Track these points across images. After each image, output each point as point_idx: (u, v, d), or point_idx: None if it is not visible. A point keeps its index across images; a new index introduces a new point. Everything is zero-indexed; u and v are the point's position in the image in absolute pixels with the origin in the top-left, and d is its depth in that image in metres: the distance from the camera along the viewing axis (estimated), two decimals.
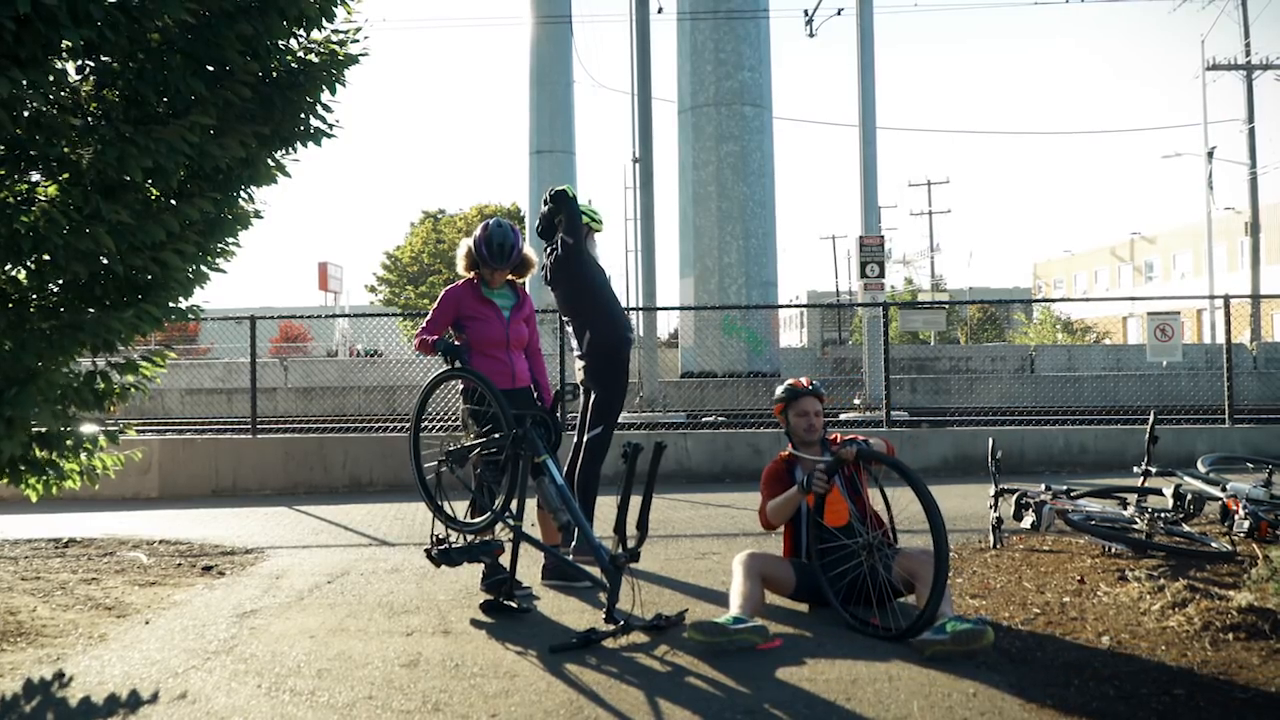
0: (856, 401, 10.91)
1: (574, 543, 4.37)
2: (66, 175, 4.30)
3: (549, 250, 5.36)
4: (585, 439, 5.27)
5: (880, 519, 4.22)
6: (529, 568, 4.98)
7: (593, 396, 5.27)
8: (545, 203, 5.39)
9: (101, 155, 4.05)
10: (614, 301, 5.40)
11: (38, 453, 4.74)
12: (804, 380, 4.56)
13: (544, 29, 29.56)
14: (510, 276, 4.79)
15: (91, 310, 4.57)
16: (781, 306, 12.86)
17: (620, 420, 10.21)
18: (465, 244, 4.74)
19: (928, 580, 3.71)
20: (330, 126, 5.04)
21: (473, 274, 4.75)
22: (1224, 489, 5.39)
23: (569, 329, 5.44)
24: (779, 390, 4.51)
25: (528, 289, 5.03)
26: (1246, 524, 5.01)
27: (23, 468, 4.73)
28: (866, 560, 3.98)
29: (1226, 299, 9.84)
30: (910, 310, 11.50)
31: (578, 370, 5.38)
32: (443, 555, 4.33)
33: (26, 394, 4.17)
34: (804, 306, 12.88)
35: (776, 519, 4.26)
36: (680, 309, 13.16)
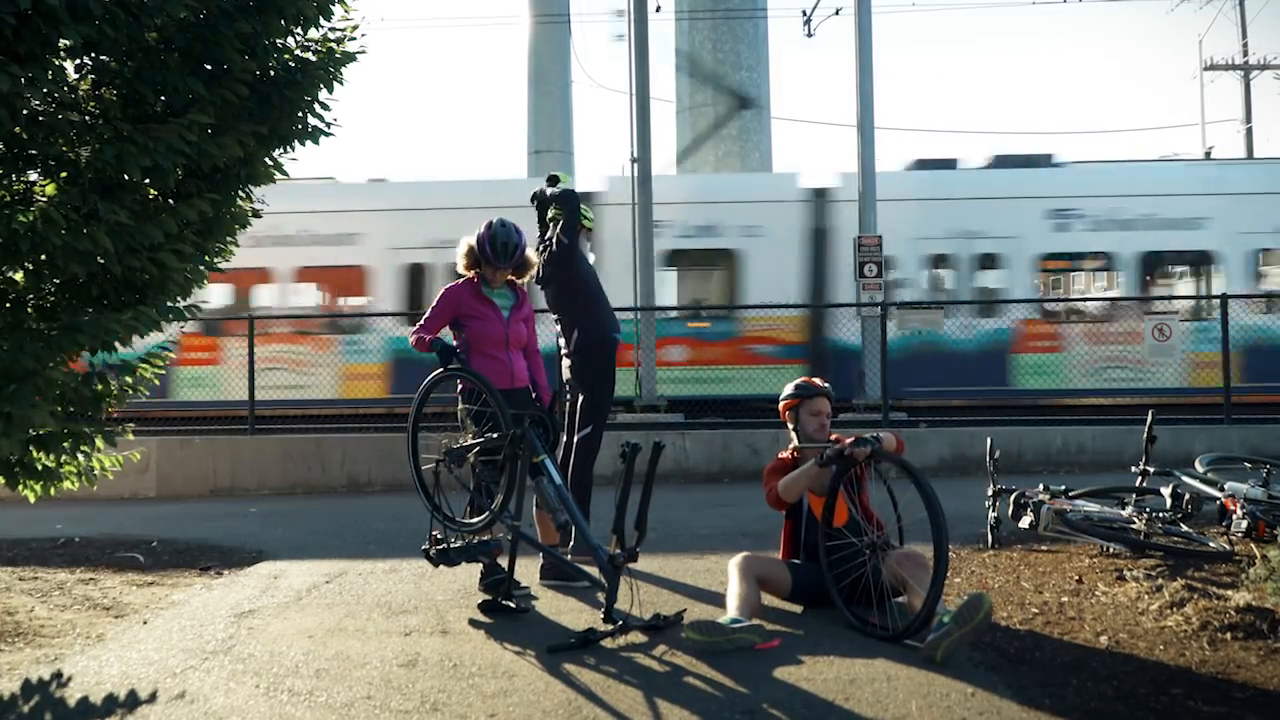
0: (855, 401, 10.92)
1: (572, 542, 4.37)
2: (65, 174, 4.29)
3: (541, 247, 5.37)
4: (575, 439, 5.27)
5: (878, 518, 4.21)
6: (527, 567, 4.97)
7: (580, 397, 5.27)
8: (547, 195, 5.42)
9: (100, 154, 4.05)
10: (604, 300, 5.44)
11: (35, 454, 4.73)
12: (816, 379, 4.51)
13: (542, 29, 29.53)
14: (510, 276, 4.78)
15: (89, 311, 4.56)
16: (779, 306, 12.83)
17: (618, 420, 10.24)
18: (466, 242, 4.73)
19: (916, 582, 3.71)
20: (328, 125, 5.04)
21: (472, 273, 4.73)
22: (1222, 489, 5.39)
23: (557, 327, 5.44)
24: (789, 388, 4.45)
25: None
26: (1244, 524, 5.00)
27: (19, 470, 4.72)
28: (870, 560, 3.96)
29: (1224, 298, 9.84)
30: (908, 310, 11.47)
31: (564, 369, 5.39)
32: (441, 555, 4.33)
33: (24, 393, 4.16)
34: (801, 307, 12.87)
35: (790, 494, 4.19)
36: (678, 309, 13.13)
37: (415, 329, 4.55)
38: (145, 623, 4.33)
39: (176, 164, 4.22)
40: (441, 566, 4.46)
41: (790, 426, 4.43)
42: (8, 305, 4.52)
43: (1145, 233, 13.18)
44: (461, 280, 4.74)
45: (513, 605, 4.31)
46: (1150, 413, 5.59)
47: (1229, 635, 3.63)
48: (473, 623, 4.19)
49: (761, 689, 3.26)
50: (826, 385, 4.45)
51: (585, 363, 5.27)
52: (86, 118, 4.32)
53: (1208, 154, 19.26)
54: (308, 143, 5.00)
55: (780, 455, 4.42)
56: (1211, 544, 4.94)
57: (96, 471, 5.06)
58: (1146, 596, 4.17)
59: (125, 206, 4.22)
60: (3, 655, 3.87)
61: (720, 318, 13.24)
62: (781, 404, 4.46)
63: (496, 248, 4.59)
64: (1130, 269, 13.32)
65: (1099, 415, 11.31)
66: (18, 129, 3.99)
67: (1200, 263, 13.65)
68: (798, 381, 4.49)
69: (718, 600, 4.33)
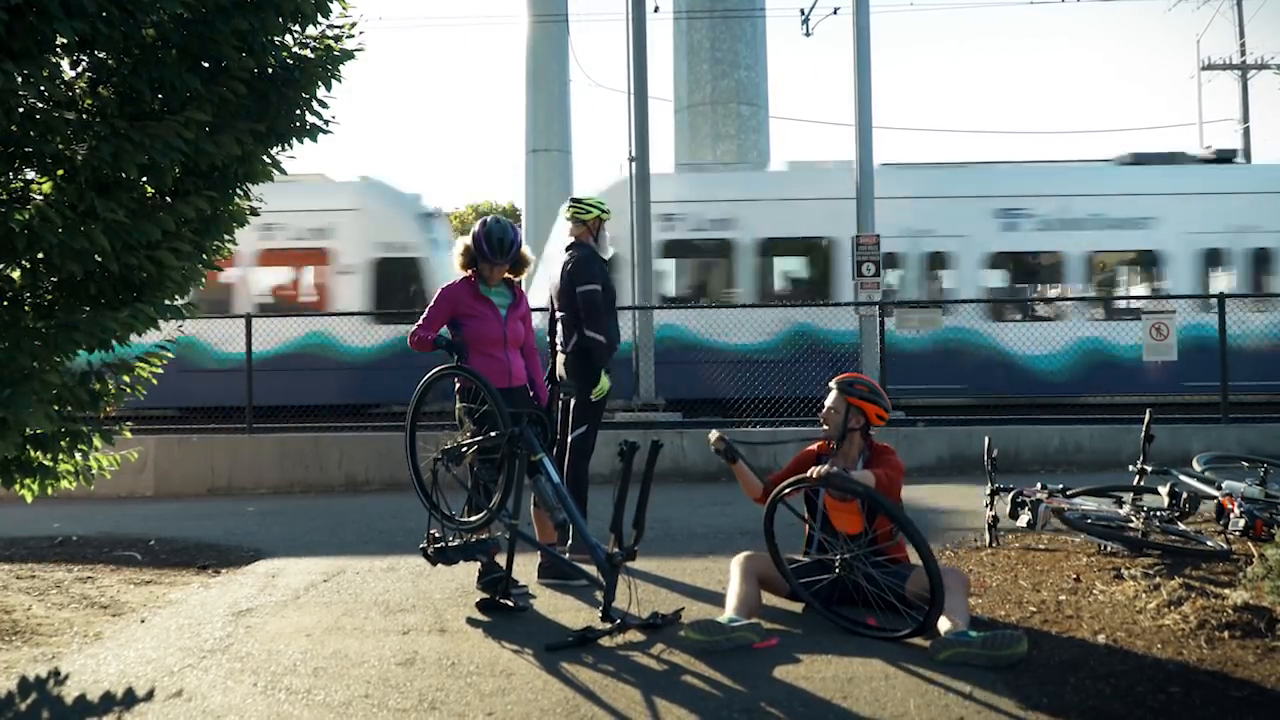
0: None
1: (571, 541, 4.37)
2: (61, 172, 4.28)
3: (566, 250, 5.41)
4: (570, 439, 5.28)
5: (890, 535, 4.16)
6: (525, 566, 4.96)
7: (574, 396, 5.27)
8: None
9: (96, 151, 4.03)
10: (613, 310, 5.48)
11: (32, 454, 4.72)
12: (846, 374, 4.35)
13: (540, 28, 29.56)
14: (508, 274, 4.78)
15: (87, 309, 4.55)
16: (776, 306, 12.84)
17: (616, 419, 10.23)
18: (462, 241, 4.72)
19: (949, 591, 3.70)
20: (326, 123, 5.03)
21: (470, 272, 4.73)
22: (1219, 488, 5.40)
23: (559, 325, 5.43)
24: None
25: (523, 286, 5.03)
26: (1241, 522, 5.01)
27: (15, 469, 4.70)
28: (846, 575, 3.95)
29: (1221, 298, 9.85)
30: (906, 309, 11.47)
31: (558, 365, 5.38)
32: (439, 554, 4.33)
33: (21, 395, 4.15)
34: (798, 306, 12.87)
35: (745, 489, 4.36)
36: (676, 308, 13.13)
37: (414, 328, 4.54)
38: (143, 621, 4.32)
39: (174, 161, 4.21)
40: (439, 565, 4.45)
41: None
42: (5, 304, 4.51)
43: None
44: (459, 279, 4.73)
45: (511, 604, 4.31)
46: (1148, 412, 5.59)
47: (1226, 634, 3.63)
48: (470, 621, 4.18)
49: (760, 688, 3.26)
50: (849, 384, 4.26)
51: (576, 363, 5.28)
52: (83, 115, 4.31)
53: None
54: (305, 140, 4.99)
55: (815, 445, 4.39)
56: (1209, 543, 4.94)
57: (94, 471, 5.05)
58: (1144, 595, 4.17)
59: (122, 205, 4.21)
60: (0, 654, 3.86)
61: None
62: None
63: (493, 244, 4.59)
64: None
65: (1095, 415, 11.32)
66: (14, 127, 3.98)
67: None
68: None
69: (716, 599, 4.33)
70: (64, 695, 3.37)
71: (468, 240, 4.70)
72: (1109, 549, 5.05)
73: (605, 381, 5.29)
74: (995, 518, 5.50)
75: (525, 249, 4.79)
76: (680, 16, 22.63)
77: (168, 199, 4.66)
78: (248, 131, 4.58)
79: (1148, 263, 14.00)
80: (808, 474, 3.95)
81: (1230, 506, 5.17)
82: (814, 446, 4.36)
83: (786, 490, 4.01)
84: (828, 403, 4.27)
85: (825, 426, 4.28)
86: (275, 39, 4.71)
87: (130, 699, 3.31)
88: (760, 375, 10.70)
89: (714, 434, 4.29)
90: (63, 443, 4.76)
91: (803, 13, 17.64)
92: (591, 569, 4.19)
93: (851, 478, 3.89)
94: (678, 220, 13.49)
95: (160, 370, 5.20)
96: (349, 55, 4.97)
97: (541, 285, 9.36)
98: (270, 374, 10.90)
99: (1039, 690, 3.16)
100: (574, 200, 5.55)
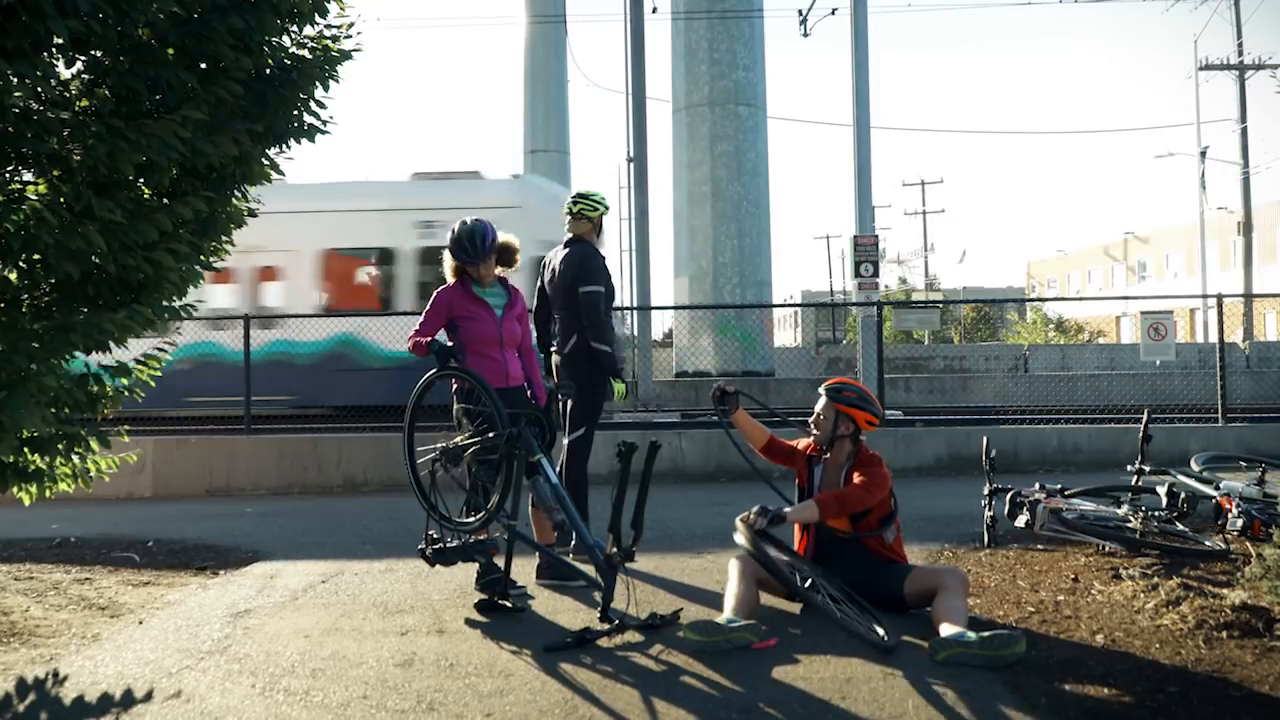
0: None
1: (573, 542, 4.37)
2: (57, 172, 4.27)
3: (567, 246, 5.39)
4: (567, 441, 5.27)
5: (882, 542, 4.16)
6: (523, 567, 4.96)
7: (573, 398, 5.27)
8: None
9: (92, 151, 4.02)
10: (609, 311, 5.47)
11: (29, 456, 4.71)
12: (835, 380, 4.40)
13: (538, 29, 29.54)
14: (499, 271, 4.77)
15: (84, 311, 4.54)
16: (776, 306, 12.89)
17: (615, 419, 10.24)
18: (446, 254, 4.73)
19: (948, 591, 3.72)
20: (324, 123, 5.02)
21: (462, 276, 4.72)
22: (1217, 487, 5.41)
23: (555, 324, 5.41)
24: None
25: (523, 284, 5.01)
26: (1240, 522, 5.02)
27: (12, 475, 4.69)
28: (818, 589, 3.94)
29: (1220, 298, 9.87)
30: (904, 310, 11.50)
31: (554, 367, 5.37)
32: (437, 555, 4.33)
33: (18, 397, 4.14)
34: (798, 306, 12.89)
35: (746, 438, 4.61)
36: (675, 308, 13.15)
37: (412, 334, 4.53)
38: (141, 623, 4.32)
39: (171, 161, 4.20)
40: (438, 566, 4.45)
41: None
42: (2, 305, 4.50)
43: None
44: (453, 283, 4.72)
45: (509, 605, 4.31)
46: (1146, 411, 5.60)
47: (1225, 633, 3.63)
48: (469, 622, 4.18)
49: (758, 688, 3.26)
50: (837, 389, 4.30)
51: (576, 365, 5.27)
52: (79, 115, 4.30)
53: (1203, 154, 19.28)
54: (303, 141, 4.99)
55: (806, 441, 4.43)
56: (1207, 543, 4.95)
57: (93, 473, 5.04)
58: (1142, 595, 4.18)
59: (120, 205, 4.20)
60: None
61: None
62: None
63: (465, 245, 4.57)
64: None
65: (1095, 415, 11.33)
66: (9, 127, 3.98)
67: None
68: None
69: (714, 599, 4.33)
70: (62, 697, 3.37)
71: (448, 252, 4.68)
72: (1107, 549, 5.05)
73: (621, 385, 5.30)
74: (994, 518, 5.50)
75: (507, 237, 4.78)
76: (678, 17, 22.59)
77: (165, 200, 4.65)
78: (245, 132, 4.57)
79: None
80: (744, 515, 4.05)
81: (1228, 506, 5.18)
82: (806, 444, 4.38)
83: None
84: (816, 409, 4.29)
85: (815, 432, 4.30)
86: (272, 39, 4.70)
87: (128, 700, 3.30)
88: None
89: (718, 384, 4.51)
90: (59, 445, 4.75)
91: (801, 13, 17.67)
92: (590, 569, 4.19)
93: (784, 518, 4.04)
94: None
95: (158, 373, 5.19)
96: (347, 55, 4.97)
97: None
98: None
99: (1038, 690, 3.16)
100: (580, 195, 5.42)
